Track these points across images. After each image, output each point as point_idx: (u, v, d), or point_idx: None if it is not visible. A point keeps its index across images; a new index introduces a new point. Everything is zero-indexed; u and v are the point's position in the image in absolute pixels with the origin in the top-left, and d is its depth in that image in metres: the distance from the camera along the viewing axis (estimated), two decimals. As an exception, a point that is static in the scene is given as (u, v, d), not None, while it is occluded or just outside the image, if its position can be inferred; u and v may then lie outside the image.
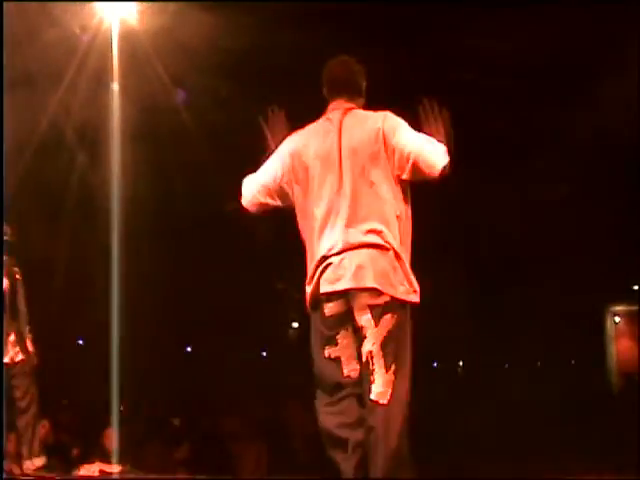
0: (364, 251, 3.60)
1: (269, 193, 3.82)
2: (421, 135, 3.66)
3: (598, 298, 15.53)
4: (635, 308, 16.42)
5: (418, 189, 3.75)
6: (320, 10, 8.10)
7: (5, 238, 6.79)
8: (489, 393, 12.68)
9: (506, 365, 16.51)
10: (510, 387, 12.96)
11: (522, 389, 12.66)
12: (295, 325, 20.11)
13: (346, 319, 3.64)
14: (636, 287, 16.78)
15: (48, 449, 8.25)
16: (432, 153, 3.59)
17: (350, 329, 3.64)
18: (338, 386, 3.65)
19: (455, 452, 10.11)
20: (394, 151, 3.63)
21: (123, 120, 9.18)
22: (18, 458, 6.78)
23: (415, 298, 3.67)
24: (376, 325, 3.58)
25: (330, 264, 3.64)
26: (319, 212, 3.68)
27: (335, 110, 3.82)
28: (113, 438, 8.57)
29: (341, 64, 3.92)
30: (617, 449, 9.10)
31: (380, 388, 3.53)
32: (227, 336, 14.26)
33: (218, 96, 9.48)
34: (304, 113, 3.93)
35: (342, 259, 3.62)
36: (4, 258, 6.80)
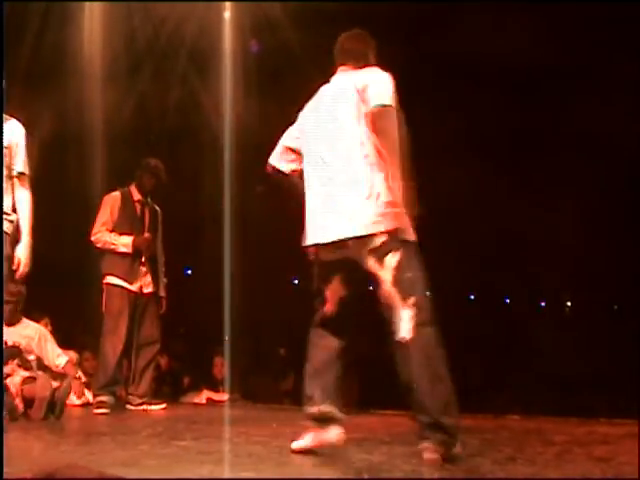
0: (350, 201, 3.79)
1: (292, 152, 4.10)
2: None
3: None
4: None
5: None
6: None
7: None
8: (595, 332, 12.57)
9: (615, 306, 16.22)
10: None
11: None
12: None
13: (340, 266, 3.89)
14: None
15: (161, 377, 8.71)
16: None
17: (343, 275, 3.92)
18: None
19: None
20: (365, 100, 3.82)
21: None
22: (125, 383, 6.97)
23: (410, 234, 3.81)
24: (381, 266, 3.74)
25: (321, 216, 3.89)
26: (317, 169, 3.93)
27: (336, 74, 4.06)
28: (222, 367, 8.86)
29: (349, 35, 4.13)
30: None
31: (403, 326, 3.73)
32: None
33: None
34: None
35: (328, 212, 3.85)
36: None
